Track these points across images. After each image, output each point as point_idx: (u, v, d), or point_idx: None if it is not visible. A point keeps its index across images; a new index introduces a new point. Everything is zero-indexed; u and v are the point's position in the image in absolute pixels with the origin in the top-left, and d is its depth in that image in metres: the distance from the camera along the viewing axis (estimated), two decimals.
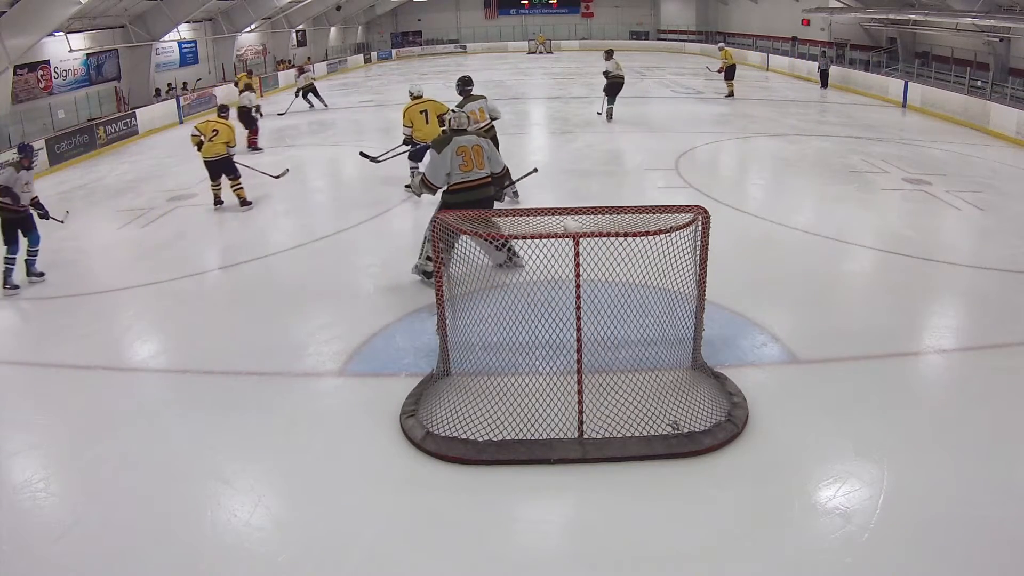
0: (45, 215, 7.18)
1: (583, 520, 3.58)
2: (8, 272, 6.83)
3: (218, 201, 9.29)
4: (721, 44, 20.91)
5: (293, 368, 5.04)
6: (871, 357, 4.96)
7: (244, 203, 9.22)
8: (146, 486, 3.81)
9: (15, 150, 7.43)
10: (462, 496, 3.68)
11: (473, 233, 4.45)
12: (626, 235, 4.03)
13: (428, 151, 5.99)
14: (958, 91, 15.28)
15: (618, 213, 4.45)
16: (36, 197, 7.12)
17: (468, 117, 6.03)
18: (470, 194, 5.74)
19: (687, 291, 4.47)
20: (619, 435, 3.97)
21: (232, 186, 9.20)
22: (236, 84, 17.00)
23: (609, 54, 14.04)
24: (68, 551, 3.37)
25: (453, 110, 6.05)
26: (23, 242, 6.91)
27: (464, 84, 8.53)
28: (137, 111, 16.16)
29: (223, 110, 9.60)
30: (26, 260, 7.00)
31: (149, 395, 4.92)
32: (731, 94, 17.86)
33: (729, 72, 17.94)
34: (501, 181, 6.22)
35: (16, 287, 6.81)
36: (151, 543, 3.39)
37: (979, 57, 17.12)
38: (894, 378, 4.76)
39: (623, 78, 14.20)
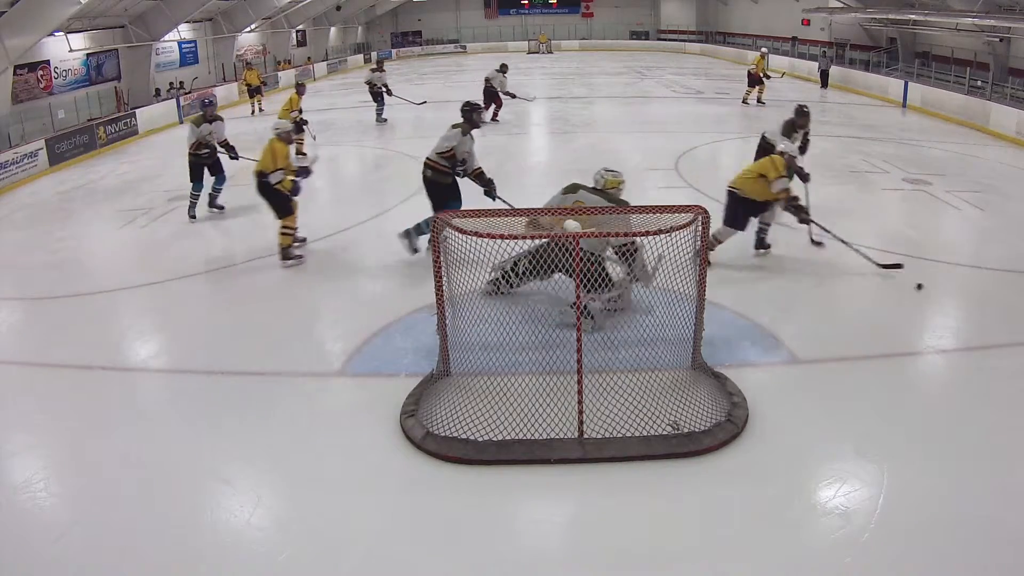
0: (235, 156, 8.86)
1: (583, 520, 3.58)
2: (192, 205, 8.75)
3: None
4: (764, 49, 19.23)
5: (293, 368, 5.04)
6: (871, 357, 4.96)
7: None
8: (146, 486, 3.81)
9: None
10: (462, 496, 3.68)
11: (473, 233, 4.45)
12: (626, 235, 4.04)
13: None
14: (958, 91, 15.29)
15: (618, 213, 4.45)
16: (224, 140, 8.77)
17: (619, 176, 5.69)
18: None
19: (687, 291, 4.48)
20: (619, 435, 3.97)
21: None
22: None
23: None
24: (68, 551, 3.37)
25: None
26: (209, 181, 8.82)
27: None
28: (137, 111, 16.16)
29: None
30: (210, 194, 8.89)
31: (149, 395, 4.92)
32: (745, 100, 17.06)
33: (753, 79, 16.93)
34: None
35: (195, 217, 8.72)
36: (151, 543, 3.39)
37: (979, 57, 17.11)
38: (894, 378, 4.76)
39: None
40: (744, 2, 32.14)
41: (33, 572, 3.28)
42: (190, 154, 8.65)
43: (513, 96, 14.95)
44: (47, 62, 15.48)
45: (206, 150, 8.64)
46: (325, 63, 29.25)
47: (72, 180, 11.89)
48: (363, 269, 7.06)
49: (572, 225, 4.75)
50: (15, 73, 13.98)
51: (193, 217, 8.72)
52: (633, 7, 38.57)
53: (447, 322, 4.55)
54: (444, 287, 4.46)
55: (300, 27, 29.13)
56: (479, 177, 6.90)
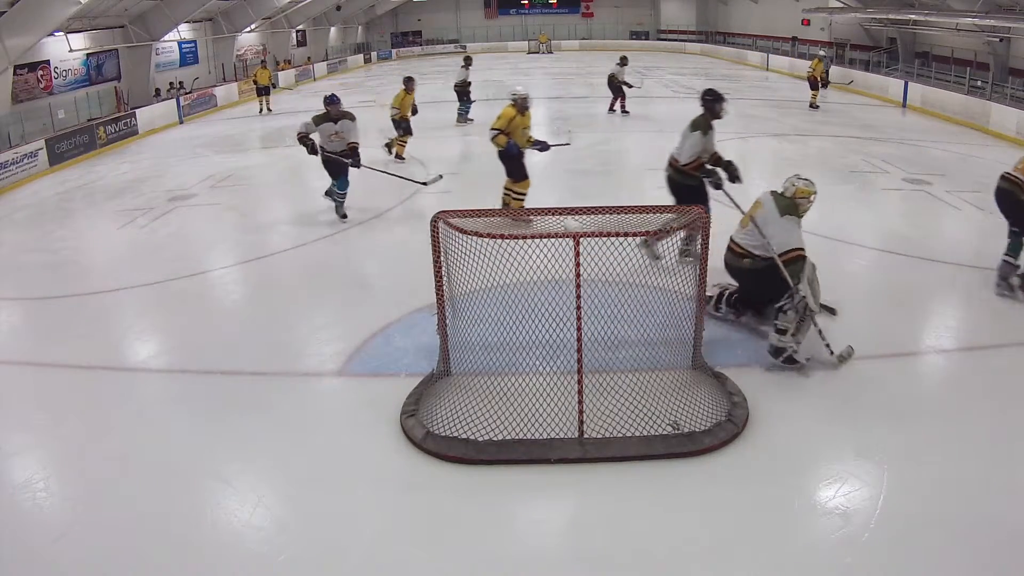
0: (356, 164, 7.97)
1: (583, 520, 3.58)
2: (339, 204, 8.25)
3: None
4: (823, 53, 18.90)
5: (293, 368, 5.04)
6: (871, 357, 4.95)
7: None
8: (146, 486, 3.81)
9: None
10: (462, 496, 3.68)
11: (473, 233, 4.44)
12: (626, 235, 4.04)
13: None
14: (958, 91, 15.28)
15: (618, 213, 4.44)
16: (353, 145, 7.91)
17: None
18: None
19: (687, 291, 4.48)
20: (619, 435, 3.97)
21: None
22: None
23: None
24: (68, 551, 3.37)
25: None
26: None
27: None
28: (137, 111, 16.15)
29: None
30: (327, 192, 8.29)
31: (149, 395, 4.92)
32: (814, 104, 16.32)
33: (813, 83, 16.37)
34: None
35: (345, 216, 8.24)
36: (151, 543, 3.39)
37: (979, 57, 17.12)
38: (894, 378, 4.76)
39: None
40: (744, 2, 32.15)
41: (33, 572, 3.28)
42: (321, 150, 7.86)
43: (631, 86, 15.57)
44: (47, 62, 15.48)
45: (314, 144, 7.75)
46: (325, 63, 29.24)
47: (72, 180, 11.89)
48: (363, 269, 7.07)
49: (573, 225, 4.74)
50: (15, 73, 13.99)
51: (344, 217, 8.24)
52: (633, 7, 38.58)
53: (447, 322, 4.55)
54: (444, 287, 4.47)
55: (300, 27, 29.13)
56: (719, 161, 6.19)
